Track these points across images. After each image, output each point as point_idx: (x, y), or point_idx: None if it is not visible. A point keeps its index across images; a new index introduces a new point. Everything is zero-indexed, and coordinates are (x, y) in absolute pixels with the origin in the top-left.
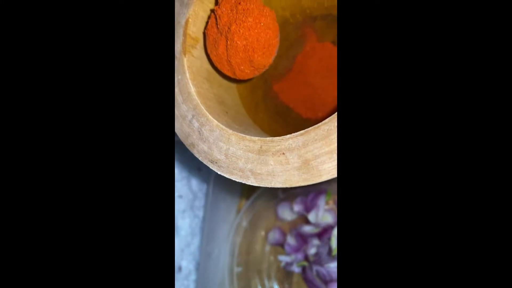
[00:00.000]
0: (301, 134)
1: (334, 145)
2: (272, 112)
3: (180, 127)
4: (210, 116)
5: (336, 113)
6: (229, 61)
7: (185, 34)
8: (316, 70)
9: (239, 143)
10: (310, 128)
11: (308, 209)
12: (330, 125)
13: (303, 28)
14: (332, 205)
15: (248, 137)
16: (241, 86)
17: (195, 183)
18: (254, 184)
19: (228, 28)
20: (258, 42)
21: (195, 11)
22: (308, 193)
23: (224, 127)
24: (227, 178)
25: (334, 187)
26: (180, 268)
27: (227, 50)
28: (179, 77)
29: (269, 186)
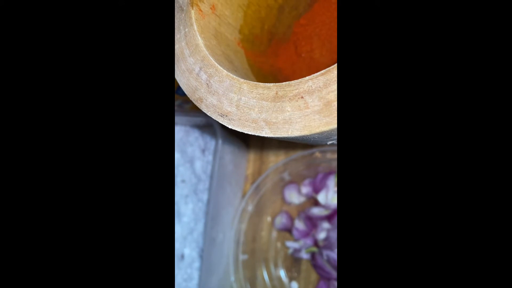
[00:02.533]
0: (322, 74)
1: None
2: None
3: (187, 82)
4: (219, 67)
5: None
6: None
7: None
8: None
9: (252, 92)
10: (332, 66)
11: (317, 190)
12: None
13: (313, 3)
14: None
15: (262, 84)
16: (248, 52)
17: (199, 166)
18: (268, 135)
19: None
20: None
21: None
22: (317, 174)
23: (234, 76)
24: (232, 159)
25: None
26: (182, 256)
27: None
28: (186, 30)
29: (286, 135)
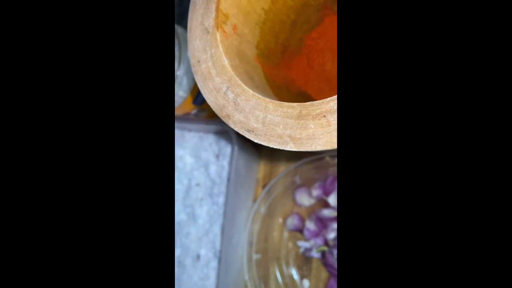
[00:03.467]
0: None
1: None
2: (295, 94)
3: (214, 100)
4: (245, 87)
5: None
6: None
7: (217, 10)
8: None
9: (277, 110)
10: None
11: (327, 193)
12: None
13: (323, 10)
14: None
15: (286, 103)
16: (264, 66)
17: (213, 170)
18: (293, 149)
19: None
20: None
21: None
22: (327, 178)
23: (260, 96)
24: (246, 164)
25: None
26: (198, 257)
27: None
28: (212, 51)
29: (309, 149)
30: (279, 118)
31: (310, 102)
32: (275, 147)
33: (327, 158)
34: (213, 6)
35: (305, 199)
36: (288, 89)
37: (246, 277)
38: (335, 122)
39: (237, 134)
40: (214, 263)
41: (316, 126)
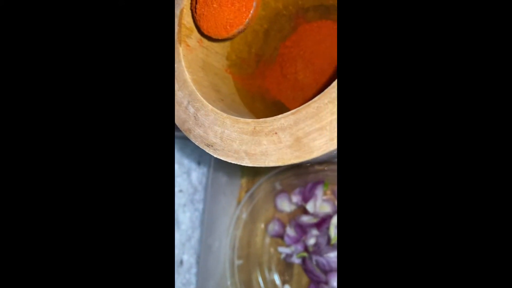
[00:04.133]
0: (293, 113)
1: (324, 122)
2: (269, 103)
3: (176, 113)
4: (205, 101)
5: (325, 91)
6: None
7: (180, 24)
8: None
9: (234, 126)
10: (301, 106)
11: (306, 199)
12: (320, 102)
13: (296, 19)
14: (330, 195)
15: (242, 119)
16: (236, 76)
17: (195, 177)
18: (248, 165)
19: None
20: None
21: (189, 2)
22: (306, 184)
23: (218, 111)
24: (226, 171)
25: (332, 178)
26: (181, 262)
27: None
28: (175, 65)
29: (263, 165)
30: (235, 133)
31: (263, 119)
32: (232, 162)
33: (306, 165)
34: (176, 21)
35: (285, 205)
36: (262, 98)
37: (228, 282)
38: (286, 139)
39: None
40: (196, 269)
41: (269, 143)
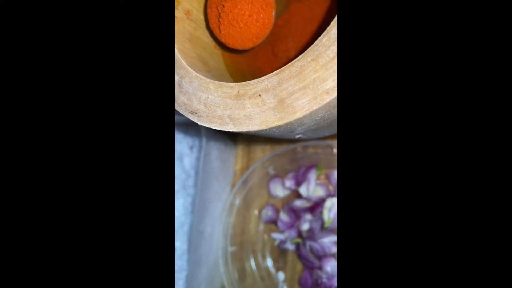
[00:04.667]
0: (276, 74)
1: (307, 81)
2: None
3: None
4: (189, 68)
5: (308, 49)
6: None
7: None
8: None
9: (217, 91)
10: (285, 66)
11: (299, 183)
12: (303, 61)
13: (289, 4)
14: (324, 179)
15: (225, 83)
16: (225, 54)
17: (187, 162)
18: (232, 130)
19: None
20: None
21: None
22: (299, 168)
23: (202, 77)
24: (219, 155)
25: (325, 161)
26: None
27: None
28: None
29: (247, 130)
30: (219, 99)
31: (246, 82)
32: (216, 128)
33: (299, 149)
34: None
35: (279, 190)
36: (253, 76)
37: (222, 269)
38: (270, 101)
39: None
40: (188, 256)
41: (253, 106)
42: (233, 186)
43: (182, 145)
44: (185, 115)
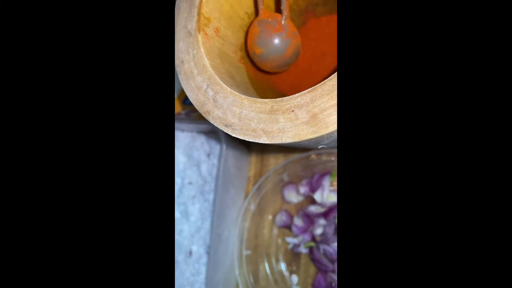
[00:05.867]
0: (309, 92)
1: None
2: (278, 95)
3: (196, 97)
4: (223, 84)
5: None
6: None
7: (199, 14)
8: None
9: (251, 106)
10: (317, 85)
11: (313, 190)
12: (334, 80)
13: (305, 14)
14: (337, 186)
15: (259, 99)
16: (248, 67)
17: (204, 168)
18: (266, 142)
19: None
20: None
21: None
22: (313, 175)
23: (236, 93)
24: (235, 163)
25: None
26: (190, 253)
27: None
28: (194, 52)
29: (280, 142)
30: (253, 113)
31: (280, 98)
32: (250, 140)
33: (313, 156)
34: (195, 10)
35: (293, 196)
36: (273, 91)
37: (237, 272)
38: (303, 116)
39: (226, 134)
40: (205, 259)
41: (286, 120)
42: (247, 192)
43: (200, 152)
44: (219, 127)
